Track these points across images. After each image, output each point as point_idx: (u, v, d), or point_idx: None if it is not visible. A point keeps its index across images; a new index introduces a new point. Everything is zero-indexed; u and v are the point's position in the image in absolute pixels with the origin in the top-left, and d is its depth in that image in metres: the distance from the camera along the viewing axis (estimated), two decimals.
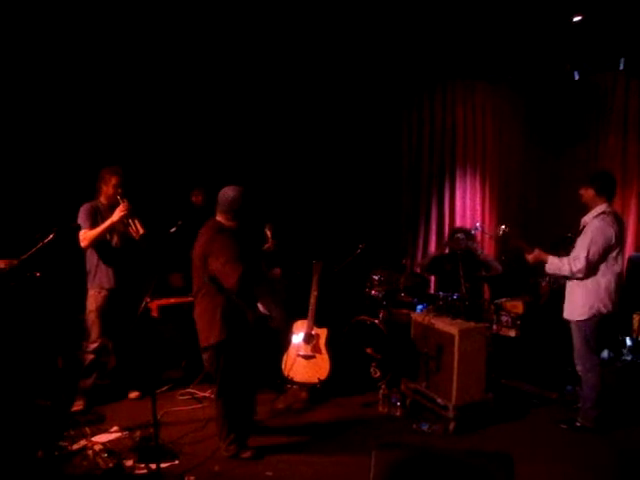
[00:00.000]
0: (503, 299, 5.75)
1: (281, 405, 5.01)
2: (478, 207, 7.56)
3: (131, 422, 4.43)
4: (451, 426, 4.43)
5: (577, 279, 4.32)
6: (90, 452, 3.95)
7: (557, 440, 4.31)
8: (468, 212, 7.56)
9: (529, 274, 5.97)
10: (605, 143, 6.97)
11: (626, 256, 5.92)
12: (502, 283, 6.14)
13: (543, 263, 4.49)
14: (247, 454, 3.95)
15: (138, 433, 4.18)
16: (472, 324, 4.71)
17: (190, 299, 4.86)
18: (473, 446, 4.10)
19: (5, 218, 5.23)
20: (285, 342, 5.37)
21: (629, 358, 5.77)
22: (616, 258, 4.30)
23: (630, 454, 4.07)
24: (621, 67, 6.76)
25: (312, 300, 5.40)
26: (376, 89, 7.29)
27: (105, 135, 5.76)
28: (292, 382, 5.27)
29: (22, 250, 4.20)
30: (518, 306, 5.54)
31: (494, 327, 5.59)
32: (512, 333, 5.49)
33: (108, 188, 4.72)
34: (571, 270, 4.27)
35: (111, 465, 3.75)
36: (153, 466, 3.62)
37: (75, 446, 4.04)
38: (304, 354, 5.32)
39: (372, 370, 5.39)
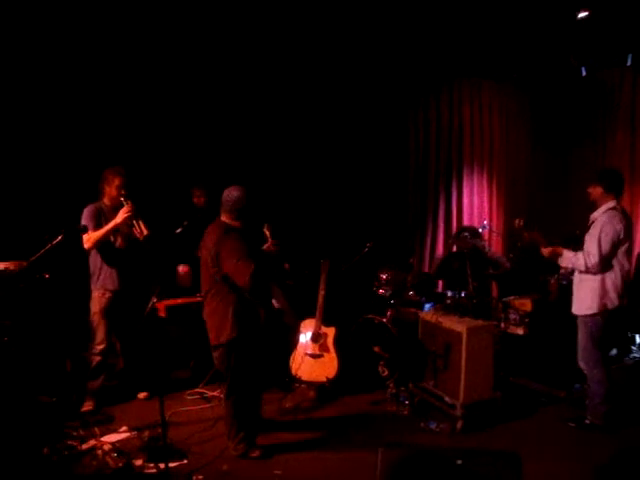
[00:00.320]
0: (511, 297, 5.73)
1: (289, 404, 5.02)
2: (485, 205, 7.54)
3: (140, 422, 4.46)
4: (459, 425, 4.42)
5: (591, 274, 4.30)
6: (99, 452, 3.98)
7: (565, 438, 4.30)
8: (475, 210, 7.54)
9: (538, 272, 5.95)
10: (613, 140, 6.93)
11: (635, 253, 5.90)
12: (510, 281, 6.12)
13: (557, 257, 4.48)
14: (256, 453, 3.97)
15: (147, 433, 4.20)
16: (480, 322, 4.71)
17: (198, 299, 4.90)
18: (481, 445, 4.10)
19: (13, 220, 5.26)
20: (293, 340, 5.38)
21: (638, 355, 5.76)
22: (624, 254, 4.31)
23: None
24: (628, 63, 6.72)
25: (320, 299, 5.41)
26: (383, 88, 7.28)
27: (109, 136, 5.78)
28: (300, 381, 5.28)
29: (30, 252, 4.21)
30: (526, 304, 5.52)
31: (502, 325, 5.58)
32: (520, 331, 5.46)
33: (111, 189, 4.72)
34: (586, 265, 4.26)
35: (120, 465, 3.78)
36: (162, 465, 3.64)
37: (85, 446, 4.07)
38: (312, 353, 5.32)
39: (380, 369, 5.39)
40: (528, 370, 5.44)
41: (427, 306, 5.81)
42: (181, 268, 5.55)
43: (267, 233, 4.12)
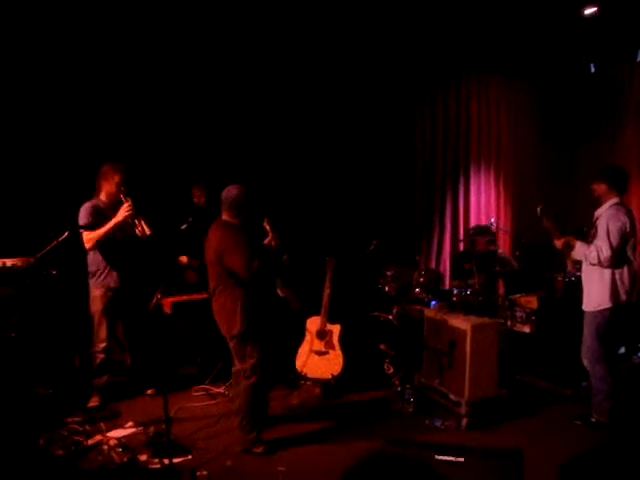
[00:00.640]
0: (517, 294, 5.70)
1: (295, 401, 5.03)
2: (493, 203, 7.52)
3: (146, 418, 4.47)
4: (464, 422, 4.41)
5: (603, 268, 4.29)
6: (105, 447, 3.99)
7: (571, 436, 4.26)
8: (483, 208, 7.52)
9: (544, 269, 5.93)
10: (622, 136, 6.90)
11: None
12: (517, 278, 6.09)
13: (569, 249, 4.47)
14: (260, 449, 3.99)
15: (152, 429, 4.20)
16: (485, 319, 4.70)
17: (204, 296, 4.92)
18: (485, 442, 4.08)
19: (19, 216, 5.29)
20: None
21: None
22: (631, 249, 4.31)
23: None
24: (638, 59, 6.67)
25: (325, 296, 5.42)
26: (390, 85, 7.26)
27: (112, 134, 5.77)
28: (305, 378, 5.29)
29: (36, 248, 4.25)
30: (532, 302, 5.49)
31: (509, 323, 5.56)
32: (526, 329, 5.44)
33: (111, 186, 4.72)
34: (599, 258, 4.24)
35: (125, 460, 3.79)
36: (166, 461, 3.66)
37: (90, 441, 4.09)
38: (317, 350, 5.33)
39: (385, 366, 5.39)
40: (534, 368, 5.41)
41: (433, 303, 5.79)
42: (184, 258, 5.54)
43: (267, 227, 4.24)
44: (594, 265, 4.33)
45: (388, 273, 5.93)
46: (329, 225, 6.78)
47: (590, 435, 4.25)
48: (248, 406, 4.01)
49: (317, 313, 5.42)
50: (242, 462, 3.86)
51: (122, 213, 4.56)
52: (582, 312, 4.47)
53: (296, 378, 5.32)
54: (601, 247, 4.24)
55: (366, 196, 7.23)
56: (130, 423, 4.44)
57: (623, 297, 4.29)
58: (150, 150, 6.03)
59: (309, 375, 5.28)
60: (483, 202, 7.53)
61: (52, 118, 5.59)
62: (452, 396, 4.58)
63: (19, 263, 4.47)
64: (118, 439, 4.12)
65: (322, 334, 5.35)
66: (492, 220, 6.60)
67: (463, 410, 4.43)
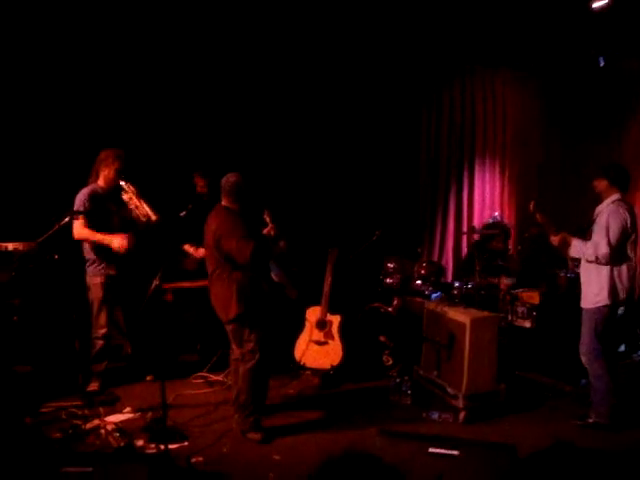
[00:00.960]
0: (519, 289, 5.68)
1: (293, 390, 5.05)
2: (497, 196, 7.48)
3: (144, 403, 4.50)
4: (461, 415, 4.41)
5: (600, 265, 4.24)
6: (103, 431, 4.03)
7: (567, 436, 4.13)
8: (487, 201, 7.49)
9: (547, 265, 5.90)
10: (629, 131, 6.83)
11: None
12: (519, 274, 6.06)
13: (566, 247, 4.42)
14: (258, 436, 4.01)
15: (150, 414, 4.25)
16: (485, 313, 4.70)
17: (204, 283, 4.91)
18: (481, 436, 4.07)
19: (20, 201, 5.30)
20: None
21: None
22: (630, 246, 4.26)
23: None
24: None
25: (326, 286, 5.43)
26: (395, 76, 7.22)
27: (113, 120, 5.76)
28: (304, 367, 5.31)
29: (38, 233, 4.25)
30: (534, 297, 5.46)
31: (509, 317, 5.54)
32: (527, 324, 5.42)
33: (110, 171, 4.70)
34: (595, 254, 4.20)
35: (122, 444, 3.82)
36: (162, 447, 3.68)
37: (89, 425, 4.13)
38: (317, 340, 5.34)
39: (384, 358, 5.40)
40: (535, 363, 5.40)
41: (434, 296, 5.78)
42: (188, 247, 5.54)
43: (267, 219, 4.31)
44: (592, 262, 4.29)
45: (390, 265, 5.92)
46: (332, 216, 6.77)
47: (586, 435, 4.19)
48: (248, 390, 4.03)
49: (317, 303, 5.43)
50: (238, 450, 3.87)
51: (117, 243, 4.59)
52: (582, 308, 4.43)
53: (295, 367, 5.33)
54: (598, 243, 4.19)
55: (370, 188, 7.21)
56: (128, 408, 4.47)
57: (622, 295, 4.24)
58: (152, 137, 6.02)
59: (308, 365, 5.30)
60: (487, 196, 7.50)
61: (54, 103, 5.59)
62: (450, 389, 4.58)
63: (21, 247, 4.50)
64: (116, 424, 4.15)
65: (322, 324, 5.36)
66: (496, 214, 6.57)
67: (460, 403, 4.42)
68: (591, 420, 4.32)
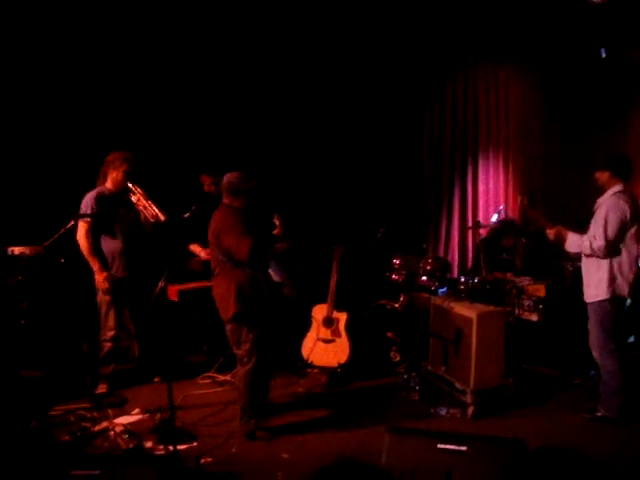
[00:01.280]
0: (525, 282, 5.66)
1: (301, 389, 5.05)
2: (501, 190, 7.46)
3: (153, 405, 4.50)
4: (469, 411, 4.40)
5: (599, 258, 4.18)
6: (112, 433, 4.04)
7: (576, 429, 4.20)
8: (491, 195, 7.46)
9: (553, 257, 5.87)
10: (633, 123, 6.78)
11: None
12: (525, 267, 6.04)
13: (562, 241, 4.37)
14: (262, 433, 4.03)
15: (158, 416, 4.24)
16: (491, 308, 4.67)
17: (210, 283, 4.92)
18: (490, 431, 4.06)
19: (26, 205, 5.32)
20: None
21: None
22: (632, 239, 4.17)
23: None
24: None
25: (332, 284, 5.43)
26: (397, 73, 7.21)
27: (120, 122, 5.78)
28: (312, 366, 5.32)
29: (44, 236, 4.27)
30: (540, 290, 5.43)
31: (516, 311, 5.51)
32: (534, 317, 5.38)
33: (118, 173, 4.72)
34: (591, 248, 4.14)
35: (131, 446, 3.83)
36: (171, 447, 3.68)
37: (97, 427, 4.14)
38: (324, 338, 5.34)
39: (392, 354, 5.39)
40: (542, 357, 5.38)
41: (440, 291, 5.77)
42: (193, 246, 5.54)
43: (277, 222, 4.35)
44: (590, 256, 4.24)
45: (395, 261, 5.91)
46: (337, 213, 6.77)
47: (596, 429, 4.19)
48: (247, 392, 4.03)
49: (324, 301, 5.43)
50: (247, 449, 3.88)
51: (99, 279, 4.66)
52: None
53: (302, 366, 5.34)
54: (594, 235, 4.13)
55: (374, 184, 7.21)
56: (137, 410, 4.48)
57: (625, 289, 4.16)
58: (159, 138, 6.04)
59: (315, 363, 5.30)
60: (492, 189, 7.48)
61: (59, 107, 5.60)
62: (458, 384, 4.57)
63: (27, 251, 4.51)
64: (124, 425, 4.16)
65: (329, 322, 5.36)
66: (501, 207, 6.54)
67: (469, 398, 4.42)
68: (600, 414, 4.30)
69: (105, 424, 4.18)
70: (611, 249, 4.13)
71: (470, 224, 7.38)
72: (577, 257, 4.65)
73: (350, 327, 5.37)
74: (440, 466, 2.90)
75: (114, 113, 5.82)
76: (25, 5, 5.25)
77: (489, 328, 4.48)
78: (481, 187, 7.52)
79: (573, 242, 4.30)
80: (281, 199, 5.80)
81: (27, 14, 5.30)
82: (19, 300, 4.54)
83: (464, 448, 2.93)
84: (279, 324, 4.38)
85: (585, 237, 4.21)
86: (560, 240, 4.39)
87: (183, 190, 5.72)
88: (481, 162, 7.52)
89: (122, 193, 4.74)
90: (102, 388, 4.79)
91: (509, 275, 5.77)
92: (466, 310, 4.59)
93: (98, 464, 2.82)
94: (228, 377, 5.10)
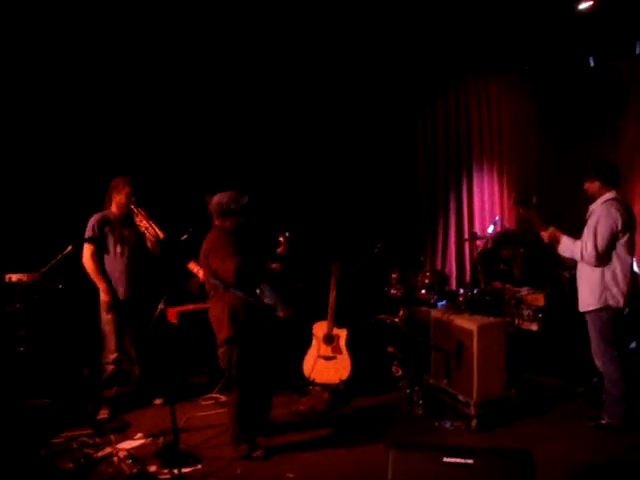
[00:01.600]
0: (524, 292, 5.67)
1: (303, 407, 5.02)
2: (497, 201, 7.50)
3: (155, 428, 4.46)
4: (473, 423, 4.39)
5: (591, 266, 4.16)
6: (115, 459, 4.01)
7: (581, 438, 4.20)
8: (487, 206, 7.50)
9: (550, 266, 5.89)
10: (625, 130, 6.85)
11: None
12: (523, 276, 6.06)
13: (556, 244, 4.34)
14: (258, 453, 3.99)
15: (161, 439, 4.20)
16: (491, 319, 4.68)
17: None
18: (495, 443, 4.06)
19: (24, 231, 5.32)
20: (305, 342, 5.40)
21: None
22: (624, 246, 4.13)
23: None
24: (637, 51, 6.62)
25: (331, 301, 5.42)
26: (391, 88, 7.26)
27: (118, 147, 5.81)
28: (314, 383, 5.29)
29: (42, 263, 4.27)
30: (539, 299, 5.46)
31: (516, 321, 5.52)
32: (534, 327, 5.41)
33: (121, 197, 4.78)
34: (582, 255, 4.14)
35: (135, 471, 3.80)
36: (176, 471, 3.66)
37: (100, 453, 4.10)
38: (325, 355, 5.33)
39: (394, 369, 5.37)
40: (544, 366, 5.39)
41: (440, 304, 5.78)
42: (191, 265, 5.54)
43: (281, 240, 4.29)
44: (582, 262, 4.23)
45: (393, 275, 5.92)
46: (334, 229, 6.78)
47: (601, 437, 4.18)
48: (235, 420, 4.00)
49: (324, 318, 5.42)
50: (251, 469, 3.86)
51: (103, 297, 4.72)
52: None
53: (304, 384, 5.32)
54: (586, 244, 4.12)
55: (369, 200, 7.23)
56: (139, 434, 4.45)
57: (619, 298, 4.12)
58: (162, 162, 6.08)
59: (317, 380, 5.28)
60: (487, 200, 7.52)
61: (56, 132, 5.63)
62: (461, 397, 4.57)
63: (25, 278, 4.52)
64: (128, 450, 4.13)
65: (329, 339, 5.35)
66: (497, 218, 6.58)
67: (472, 411, 4.41)
68: (604, 421, 4.29)
69: (108, 450, 4.15)
70: (602, 258, 4.11)
71: (466, 236, 7.40)
72: (573, 265, 4.64)
73: (351, 343, 5.35)
74: None
75: (110, 136, 5.86)
76: (26, 36, 5.31)
77: (490, 339, 4.49)
78: (476, 198, 7.56)
79: (567, 246, 4.28)
80: (278, 217, 5.83)
81: (28, 44, 5.37)
82: (17, 328, 4.53)
83: (470, 461, 2.92)
84: (275, 347, 4.31)
85: (578, 243, 4.20)
86: (554, 242, 4.36)
87: (188, 211, 5.75)
88: (475, 174, 7.56)
89: (128, 215, 4.78)
90: (104, 414, 4.75)
91: (508, 286, 5.79)
92: (466, 322, 4.59)
93: None
94: None
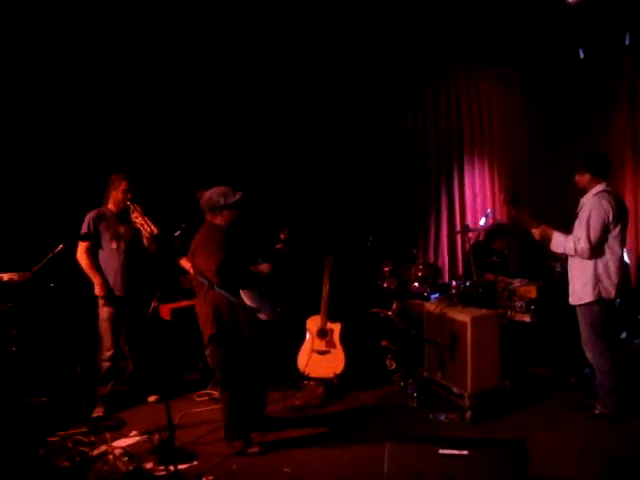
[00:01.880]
0: (517, 284, 5.70)
1: (298, 401, 5.03)
2: (488, 193, 7.52)
3: (150, 425, 4.45)
4: (468, 415, 4.41)
5: (583, 259, 4.17)
6: (110, 457, 4.00)
7: (575, 427, 4.23)
8: (478, 199, 7.52)
9: (542, 258, 5.92)
10: (614, 123, 6.87)
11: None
12: (516, 268, 6.09)
13: (548, 241, 4.34)
14: (254, 449, 4.00)
15: (157, 436, 4.17)
16: (484, 311, 4.69)
17: None
18: (490, 434, 4.08)
19: (15, 229, 5.28)
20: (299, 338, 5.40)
21: None
22: (616, 239, 4.13)
23: None
24: (627, 42, 6.63)
25: (324, 295, 5.42)
26: (381, 82, 7.26)
27: (113, 145, 5.78)
28: (308, 378, 5.30)
29: (32, 261, 4.24)
30: (532, 291, 5.48)
31: (509, 313, 5.55)
32: (527, 318, 5.43)
33: (117, 193, 4.78)
34: (575, 249, 4.14)
35: (131, 468, 3.80)
36: (172, 468, 3.65)
37: (96, 452, 4.09)
38: (319, 349, 5.33)
39: (387, 362, 5.39)
40: (537, 357, 5.41)
41: (433, 297, 5.79)
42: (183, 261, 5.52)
43: (282, 237, 4.21)
44: (573, 256, 4.23)
45: (386, 269, 5.93)
46: (326, 224, 6.78)
47: (594, 426, 4.21)
48: (228, 417, 3.99)
49: (317, 312, 5.42)
50: (247, 465, 3.86)
51: (97, 287, 4.71)
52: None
53: (299, 378, 5.32)
54: (579, 237, 4.12)
55: (361, 193, 7.23)
56: (134, 432, 4.44)
57: (611, 290, 4.13)
58: (157, 159, 6.05)
59: (312, 375, 5.28)
60: (478, 193, 7.53)
61: (49, 130, 5.59)
62: (455, 389, 4.59)
63: (16, 277, 4.48)
64: (123, 448, 4.12)
65: (323, 333, 5.36)
66: (488, 211, 6.60)
67: (466, 403, 4.43)
68: (597, 411, 4.32)
69: (104, 448, 4.14)
70: (595, 250, 4.12)
71: (458, 228, 7.42)
72: (564, 257, 4.65)
73: (344, 337, 5.36)
74: (443, 472, 2.91)
75: (104, 132, 5.83)
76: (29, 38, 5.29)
77: (483, 331, 4.50)
78: (468, 191, 7.57)
79: (559, 242, 4.28)
80: (271, 212, 5.83)
81: (27, 44, 5.34)
82: (9, 327, 4.50)
83: (466, 452, 2.94)
84: (268, 344, 4.27)
85: (570, 237, 4.20)
86: (546, 239, 4.37)
87: (181, 207, 5.74)
88: (467, 167, 7.57)
89: (123, 212, 4.78)
90: (98, 412, 4.74)
91: (500, 278, 5.81)
92: (460, 314, 4.61)
93: None
94: None
